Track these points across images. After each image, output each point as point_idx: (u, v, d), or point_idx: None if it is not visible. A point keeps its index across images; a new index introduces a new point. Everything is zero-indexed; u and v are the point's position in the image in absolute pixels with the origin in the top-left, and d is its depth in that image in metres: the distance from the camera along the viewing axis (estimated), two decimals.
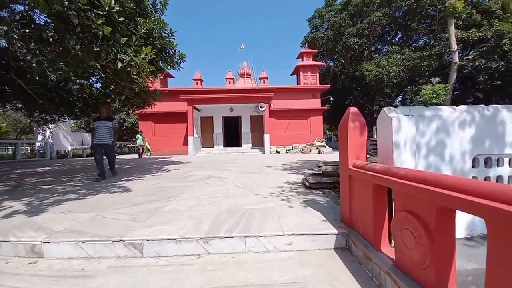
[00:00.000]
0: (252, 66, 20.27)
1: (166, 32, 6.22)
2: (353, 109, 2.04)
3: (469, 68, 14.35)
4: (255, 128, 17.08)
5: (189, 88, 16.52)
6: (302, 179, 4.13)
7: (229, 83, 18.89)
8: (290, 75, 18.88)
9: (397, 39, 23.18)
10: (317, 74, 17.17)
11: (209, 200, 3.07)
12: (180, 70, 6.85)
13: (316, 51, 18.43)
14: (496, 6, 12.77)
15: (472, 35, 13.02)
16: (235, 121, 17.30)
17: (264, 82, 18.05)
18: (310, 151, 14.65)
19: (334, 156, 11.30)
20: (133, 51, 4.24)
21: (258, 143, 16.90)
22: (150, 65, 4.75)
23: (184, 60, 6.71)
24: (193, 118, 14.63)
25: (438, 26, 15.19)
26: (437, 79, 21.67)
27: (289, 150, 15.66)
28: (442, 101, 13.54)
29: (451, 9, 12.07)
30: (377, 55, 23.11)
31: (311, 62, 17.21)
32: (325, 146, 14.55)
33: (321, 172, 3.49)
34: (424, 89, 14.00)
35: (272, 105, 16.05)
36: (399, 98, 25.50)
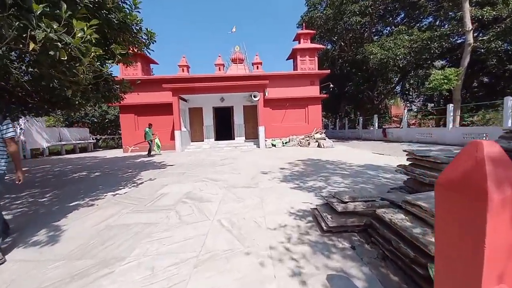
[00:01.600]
0: (245, 50, 18.58)
1: (127, 1, 4.73)
2: (491, 148, 0.77)
3: (481, 50, 13.04)
4: (248, 119, 15.71)
5: (173, 76, 14.81)
6: (312, 209, 2.92)
7: (219, 70, 17.19)
8: (286, 59, 17.28)
9: (399, 19, 21.47)
10: (316, 58, 15.61)
11: (167, 276, 1.83)
12: (149, 53, 5.43)
13: (314, 32, 16.72)
14: None
15: (487, 13, 11.53)
16: (227, 112, 15.85)
17: (257, 68, 16.43)
18: (309, 144, 13.47)
19: (337, 151, 10.14)
20: (63, 26, 2.80)
21: (252, 136, 15.61)
22: (95, 48, 3.30)
23: (155, 40, 5.25)
24: (180, 109, 13.13)
25: (448, 3, 13.64)
26: (441, 62, 20.41)
27: (286, 143, 14.46)
28: (453, 86, 12.36)
29: None
30: (377, 37, 21.46)
31: (309, 44, 15.58)
32: (325, 139, 13.37)
33: (346, 210, 2.27)
34: (434, 74, 12.73)
35: (267, 93, 14.60)
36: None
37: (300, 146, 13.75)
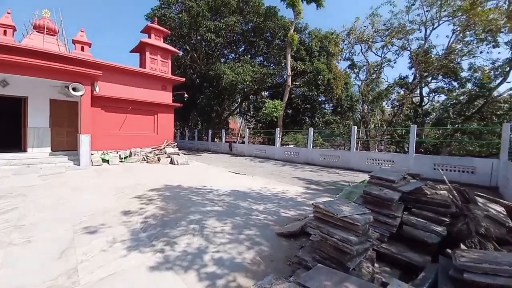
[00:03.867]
0: (62, 20, 12.37)
1: None
2: None
3: (293, 92, 18.35)
4: (61, 121, 10.41)
5: None
6: None
7: (4, 34, 10.08)
8: (131, 52, 13.81)
9: (241, 50, 25.23)
10: (169, 61, 13.80)
11: None
12: None
13: (169, 32, 14.88)
14: (316, 48, 17.28)
15: (299, 66, 16.54)
16: (14, 105, 9.46)
17: (82, 50, 11.55)
18: (159, 159, 11.24)
19: (194, 170, 9.03)
20: None
21: (67, 146, 10.47)
22: None
23: None
24: None
25: (275, 50, 17.89)
26: (266, 93, 26.48)
27: (125, 158, 11.07)
28: (279, 115, 15.97)
29: (291, 39, 14.25)
30: (224, 59, 23.69)
31: (163, 43, 13.48)
32: (178, 154, 11.77)
33: None
34: (268, 103, 15.77)
35: (97, 89, 10.49)
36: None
37: (147, 162, 11.10)
